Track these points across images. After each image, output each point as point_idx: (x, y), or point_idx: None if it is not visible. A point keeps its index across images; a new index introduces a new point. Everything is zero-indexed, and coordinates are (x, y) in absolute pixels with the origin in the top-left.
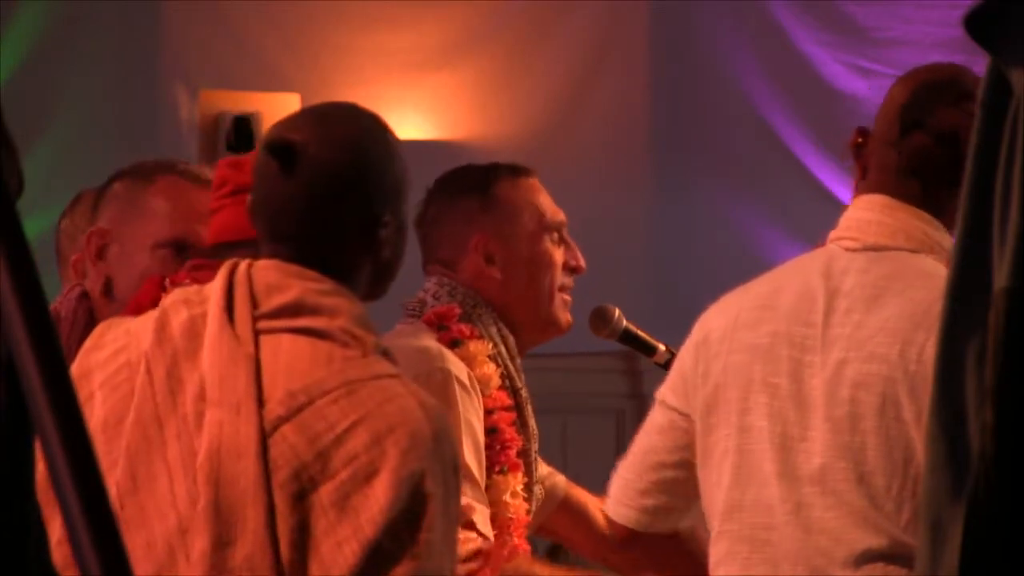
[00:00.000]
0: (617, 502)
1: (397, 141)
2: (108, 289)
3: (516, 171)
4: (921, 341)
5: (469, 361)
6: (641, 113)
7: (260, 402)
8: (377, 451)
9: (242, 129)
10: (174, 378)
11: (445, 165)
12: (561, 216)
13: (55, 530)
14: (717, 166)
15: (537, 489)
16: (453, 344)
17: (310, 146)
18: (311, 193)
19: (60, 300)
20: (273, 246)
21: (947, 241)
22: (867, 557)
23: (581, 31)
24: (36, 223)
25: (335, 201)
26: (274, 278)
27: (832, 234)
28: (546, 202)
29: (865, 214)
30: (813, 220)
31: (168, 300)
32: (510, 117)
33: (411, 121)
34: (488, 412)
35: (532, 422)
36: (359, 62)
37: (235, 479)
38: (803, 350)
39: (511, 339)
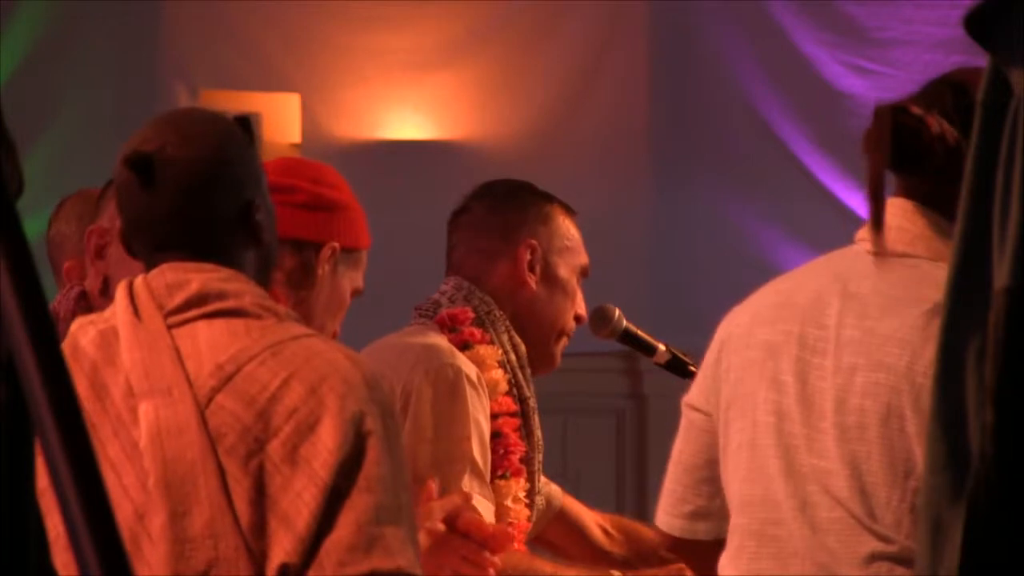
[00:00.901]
0: (662, 511)
1: (245, 135)
2: (106, 288)
3: (568, 207)
4: (930, 355)
5: (478, 365)
6: (641, 113)
7: (189, 382)
8: (315, 401)
9: (242, 129)
10: (97, 385)
11: (445, 165)
12: (588, 263)
13: (54, 531)
14: (717, 166)
15: (538, 499)
16: (463, 347)
17: (167, 150)
18: (180, 195)
19: (59, 300)
20: (156, 256)
21: None
22: (872, 559)
23: (581, 31)
24: (36, 223)
25: (205, 196)
26: (172, 278)
27: (859, 233)
28: (582, 245)
29: (888, 219)
30: (813, 220)
31: (74, 326)
32: (510, 117)
33: (411, 121)
34: (493, 416)
35: (538, 432)
36: (359, 62)
37: (181, 454)
38: (813, 352)
39: (522, 348)
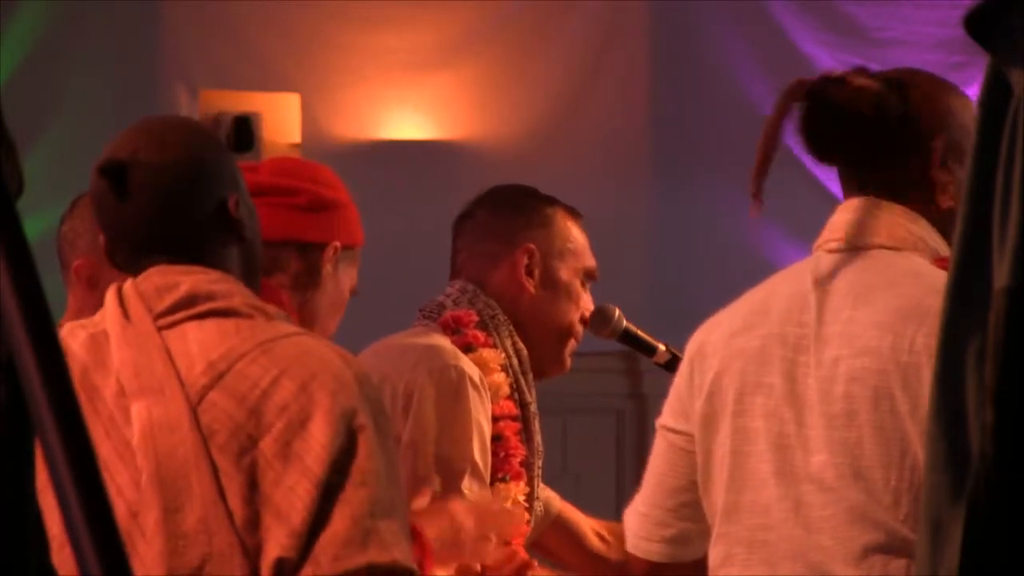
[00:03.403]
0: (636, 537)
1: (218, 136)
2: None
3: (572, 209)
4: (911, 333)
5: (480, 368)
6: (641, 113)
7: (180, 381)
8: (306, 397)
9: (242, 129)
10: (88, 387)
11: (445, 165)
12: (595, 266)
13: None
14: (717, 166)
15: (537, 504)
16: (466, 349)
17: (138, 155)
18: (156, 199)
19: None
20: (141, 261)
21: (932, 238)
22: (867, 552)
23: (581, 31)
24: (36, 223)
25: (181, 197)
26: (161, 280)
27: (816, 242)
28: (588, 248)
29: (845, 215)
30: (813, 220)
31: (64, 330)
32: (510, 117)
33: (411, 121)
34: (494, 419)
35: (538, 438)
36: (359, 62)
37: (173, 451)
38: (796, 350)
39: (525, 353)
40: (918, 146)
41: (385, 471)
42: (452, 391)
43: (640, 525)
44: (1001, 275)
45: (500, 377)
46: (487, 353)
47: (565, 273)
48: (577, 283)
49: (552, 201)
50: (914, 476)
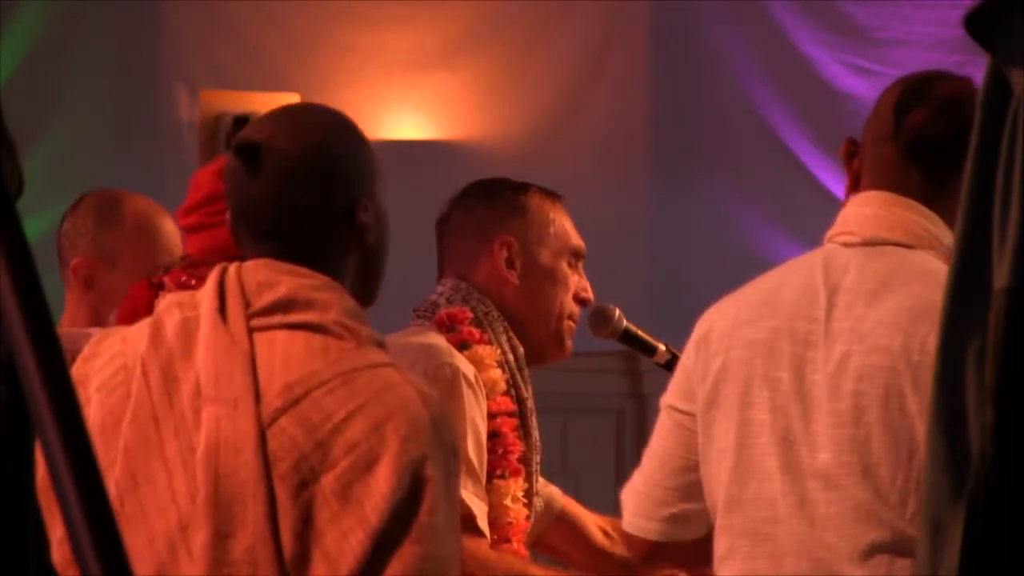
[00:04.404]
0: (635, 515)
1: (363, 133)
2: (96, 320)
3: (549, 192)
4: (923, 333)
5: (476, 364)
6: (641, 113)
7: (257, 397)
8: (377, 438)
9: (242, 129)
10: (170, 378)
11: (445, 165)
12: (582, 244)
13: (55, 530)
14: (717, 166)
15: (536, 500)
16: (462, 346)
17: (276, 140)
18: (284, 186)
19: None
20: (257, 246)
21: (946, 236)
22: (872, 551)
23: (581, 31)
24: (36, 223)
25: (309, 190)
26: (264, 276)
27: (829, 232)
28: (571, 226)
29: (863, 209)
30: (813, 220)
31: (162, 305)
32: (510, 117)
33: (411, 121)
34: (491, 416)
35: (536, 433)
36: (359, 62)
37: (235, 472)
38: (806, 345)
39: (520, 349)
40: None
41: (445, 525)
42: (446, 389)
43: (638, 504)
44: (1001, 275)
45: (496, 373)
46: (482, 350)
47: (547, 258)
48: (563, 265)
49: (525, 188)
50: (922, 476)
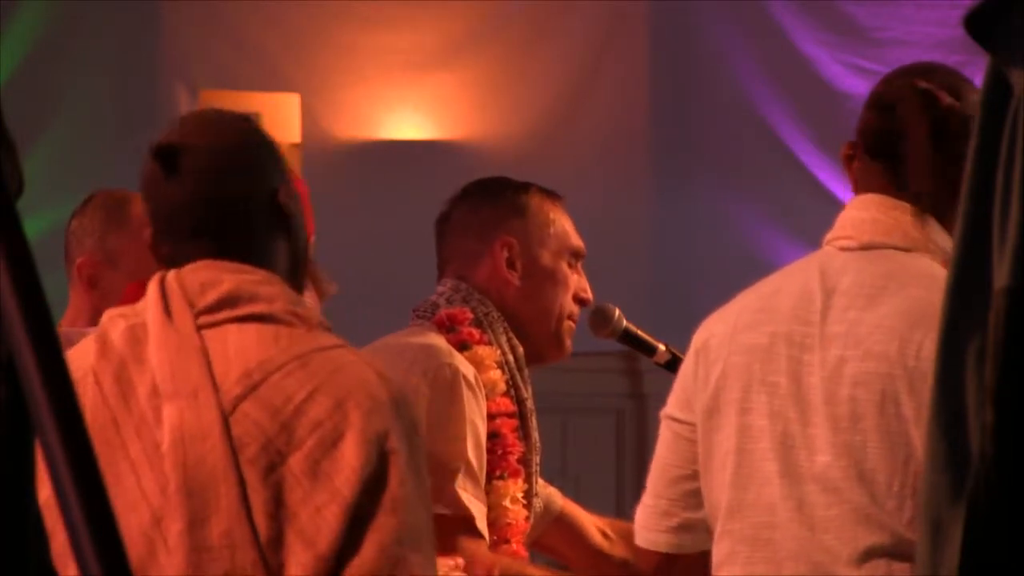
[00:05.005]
0: (644, 528)
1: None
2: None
3: (549, 192)
4: (919, 339)
5: (476, 365)
6: (641, 113)
7: (215, 387)
8: (339, 415)
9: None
10: (124, 382)
11: (445, 165)
12: (582, 245)
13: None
14: (717, 166)
15: (536, 501)
16: (461, 347)
17: (190, 140)
18: (207, 182)
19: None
20: (188, 247)
21: (943, 239)
22: (871, 554)
23: (581, 31)
24: (36, 223)
25: (232, 181)
26: (205, 276)
27: (827, 236)
28: (571, 227)
29: (859, 213)
30: (813, 220)
31: (105, 318)
32: (510, 117)
33: (411, 121)
34: (491, 417)
35: (535, 434)
36: (359, 62)
37: (202, 460)
38: (802, 349)
39: (520, 350)
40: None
41: (416, 496)
42: (446, 390)
43: (646, 517)
44: (1001, 275)
45: (496, 374)
46: (482, 350)
47: (548, 259)
48: (563, 265)
49: (526, 188)
50: (918, 481)
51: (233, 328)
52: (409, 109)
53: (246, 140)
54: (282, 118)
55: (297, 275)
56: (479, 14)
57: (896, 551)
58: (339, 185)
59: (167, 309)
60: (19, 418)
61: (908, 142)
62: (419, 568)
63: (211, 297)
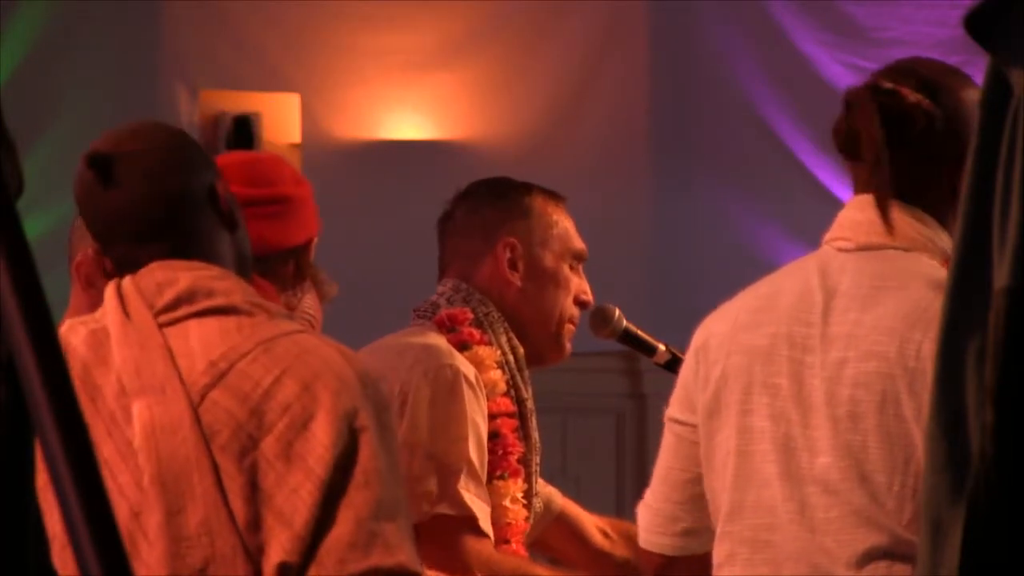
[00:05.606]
0: (648, 531)
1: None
2: None
3: (552, 193)
4: (918, 339)
5: (476, 365)
6: (641, 113)
7: (181, 380)
8: (308, 397)
9: (242, 129)
10: (89, 385)
11: (445, 165)
12: (583, 247)
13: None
14: (717, 166)
15: (536, 501)
16: (462, 347)
17: (124, 147)
18: (148, 184)
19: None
20: (137, 252)
21: (940, 238)
22: (871, 556)
23: (581, 31)
24: (36, 223)
25: (171, 180)
26: (161, 276)
27: (826, 236)
28: (573, 228)
29: (857, 214)
30: (813, 220)
31: (64, 327)
32: (510, 117)
33: (411, 121)
34: (491, 417)
35: (535, 435)
36: (359, 62)
37: (175, 451)
38: (803, 351)
39: (520, 350)
40: (955, 155)
41: (388, 471)
42: (447, 390)
43: (651, 520)
44: (1001, 275)
45: (496, 374)
46: (483, 350)
47: (550, 260)
48: (565, 267)
49: (529, 189)
50: (918, 482)
51: (193, 323)
52: (409, 109)
53: (175, 141)
54: (282, 118)
55: (245, 269)
56: (479, 14)
57: (896, 552)
58: (339, 185)
59: (126, 311)
60: (19, 418)
61: (863, 142)
62: (395, 539)
63: (169, 296)
